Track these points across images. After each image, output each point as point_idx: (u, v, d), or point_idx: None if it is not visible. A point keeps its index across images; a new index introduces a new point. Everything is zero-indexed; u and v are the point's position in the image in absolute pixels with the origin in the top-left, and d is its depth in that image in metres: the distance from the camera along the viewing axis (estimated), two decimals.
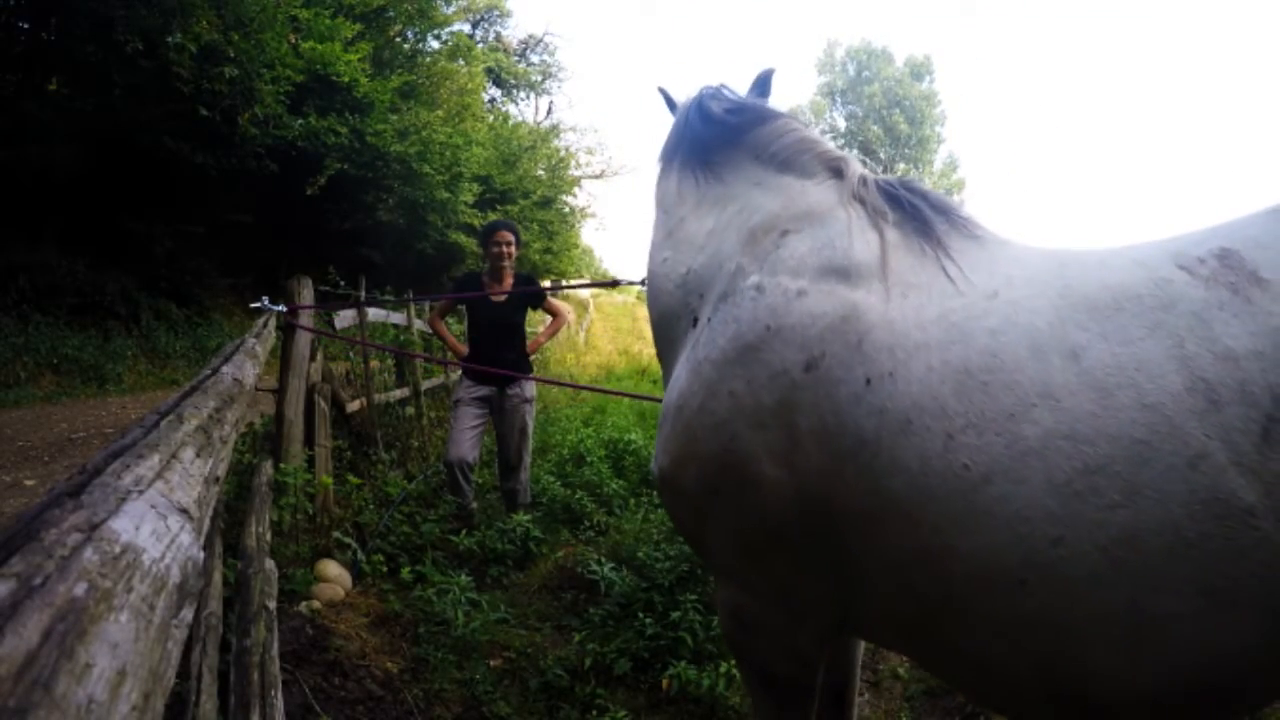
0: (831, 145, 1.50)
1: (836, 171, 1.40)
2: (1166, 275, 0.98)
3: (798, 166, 1.45)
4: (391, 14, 15.27)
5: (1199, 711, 0.98)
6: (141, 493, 0.68)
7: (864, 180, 1.35)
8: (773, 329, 1.19)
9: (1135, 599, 0.90)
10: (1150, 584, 0.89)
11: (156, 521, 0.64)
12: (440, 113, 16.31)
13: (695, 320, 1.41)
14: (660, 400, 4.52)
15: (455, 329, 6.10)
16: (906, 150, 42.79)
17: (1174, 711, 0.97)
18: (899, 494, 1.02)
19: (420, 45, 17.87)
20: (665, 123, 1.96)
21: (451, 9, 21.47)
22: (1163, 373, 0.91)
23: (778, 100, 2.17)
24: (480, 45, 26.18)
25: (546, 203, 22.53)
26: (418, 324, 6.79)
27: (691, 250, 1.51)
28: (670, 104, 1.99)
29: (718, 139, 1.60)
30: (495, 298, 4.07)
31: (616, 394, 4.29)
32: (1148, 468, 0.89)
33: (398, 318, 6.50)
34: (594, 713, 2.44)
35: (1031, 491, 0.93)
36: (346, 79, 12.12)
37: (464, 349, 4.25)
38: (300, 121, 11.41)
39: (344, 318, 5.17)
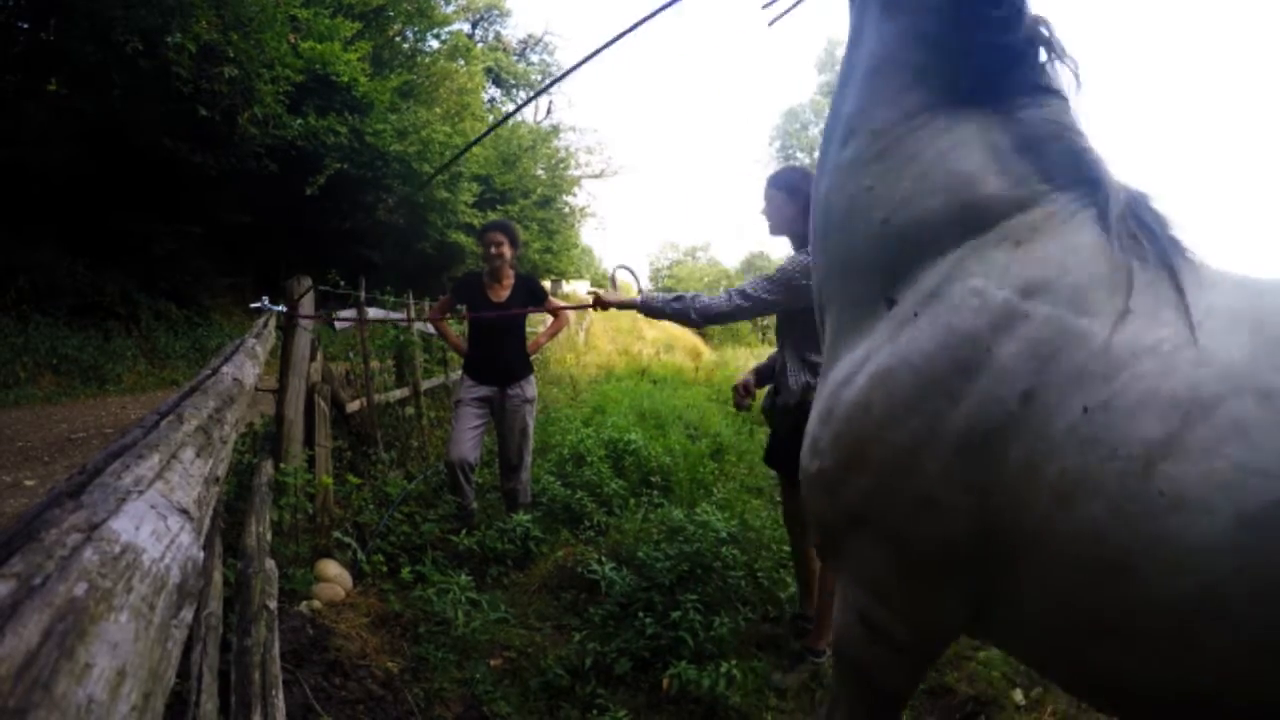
0: (1088, 140, 1.25)
1: (1086, 182, 1.22)
2: None
3: (1043, 154, 1.23)
4: (391, 13, 15.27)
5: None
6: (141, 493, 0.68)
7: (1109, 196, 1.20)
8: (994, 352, 1.11)
9: None
10: None
11: (156, 522, 0.64)
12: (439, 112, 16.31)
13: (890, 302, 1.24)
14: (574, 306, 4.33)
15: (455, 329, 6.10)
16: None
17: None
18: (1096, 517, 1.03)
19: (420, 45, 17.88)
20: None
21: (451, 8, 21.49)
22: None
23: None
24: (480, 45, 26.19)
25: (546, 202, 22.56)
26: (417, 324, 6.79)
27: (898, 195, 1.27)
28: None
29: (980, 64, 1.27)
30: (495, 298, 4.07)
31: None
32: None
33: (398, 318, 6.51)
34: (594, 712, 2.44)
35: (1220, 522, 0.95)
36: (346, 79, 12.13)
37: (465, 346, 4.26)
38: (300, 121, 11.42)
39: (344, 318, 5.18)
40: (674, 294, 2.57)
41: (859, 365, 1.24)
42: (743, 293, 2.54)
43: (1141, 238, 1.17)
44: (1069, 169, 1.23)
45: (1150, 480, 0.99)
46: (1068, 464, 1.05)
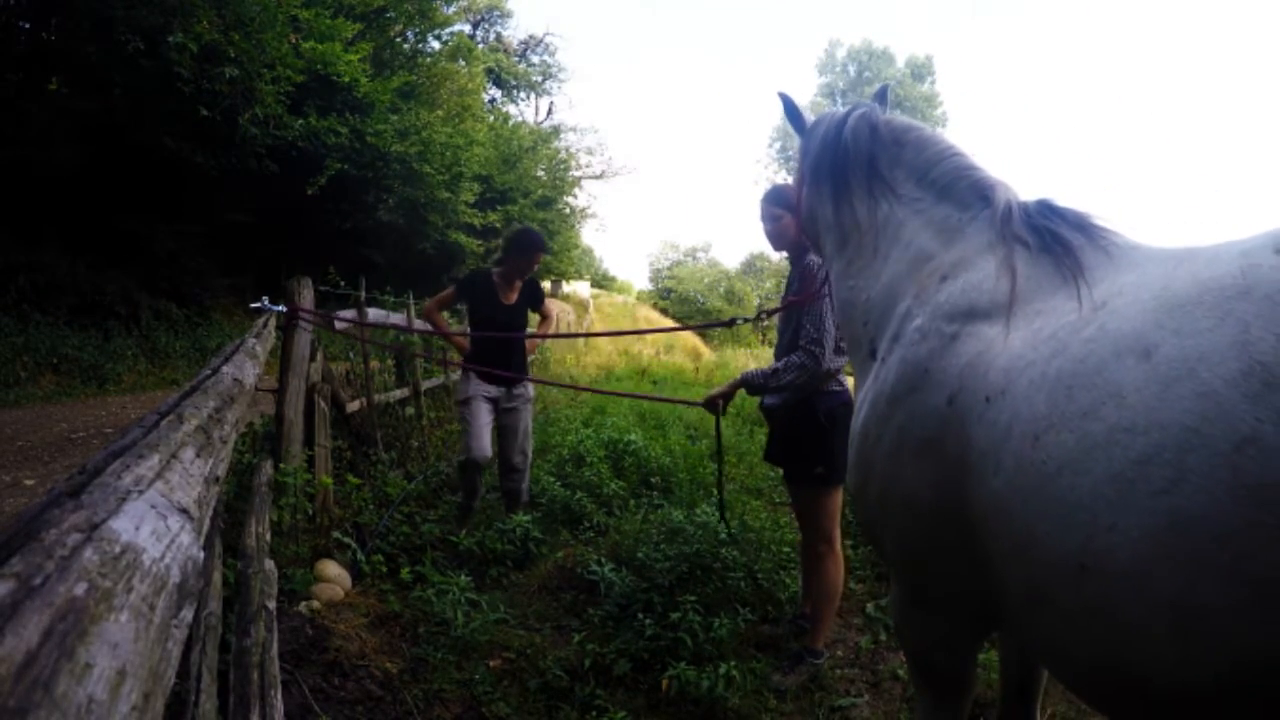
0: (983, 169, 1.59)
1: (985, 201, 1.51)
2: (1257, 261, 0.97)
3: (954, 196, 1.57)
4: (392, 14, 15.28)
5: None
6: (141, 493, 0.68)
7: (1009, 212, 1.45)
8: (930, 371, 1.36)
9: (1180, 587, 0.90)
10: (1194, 572, 0.89)
11: (156, 521, 0.64)
12: (440, 113, 16.33)
13: (873, 352, 1.59)
14: (650, 398, 4.87)
15: (454, 327, 6.10)
16: None
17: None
18: (1000, 492, 1.15)
19: (420, 45, 17.90)
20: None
21: (452, 9, 21.50)
22: (1222, 360, 0.92)
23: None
24: (480, 45, 26.23)
25: (547, 203, 22.58)
26: (418, 324, 6.80)
27: (869, 277, 1.68)
28: (794, 112, 2.11)
29: (888, 160, 1.71)
30: (507, 300, 4.10)
31: (616, 394, 4.30)
32: (1193, 454, 0.90)
33: (398, 318, 6.51)
34: (593, 713, 2.43)
35: (1093, 481, 1.00)
36: (347, 79, 12.13)
37: (466, 344, 4.27)
38: (300, 121, 11.42)
39: (344, 318, 5.18)
40: (770, 368, 2.73)
41: (861, 403, 1.57)
42: (809, 353, 2.65)
43: (1045, 240, 1.35)
44: (979, 199, 1.52)
45: (1037, 451, 1.09)
46: (980, 448, 1.21)
